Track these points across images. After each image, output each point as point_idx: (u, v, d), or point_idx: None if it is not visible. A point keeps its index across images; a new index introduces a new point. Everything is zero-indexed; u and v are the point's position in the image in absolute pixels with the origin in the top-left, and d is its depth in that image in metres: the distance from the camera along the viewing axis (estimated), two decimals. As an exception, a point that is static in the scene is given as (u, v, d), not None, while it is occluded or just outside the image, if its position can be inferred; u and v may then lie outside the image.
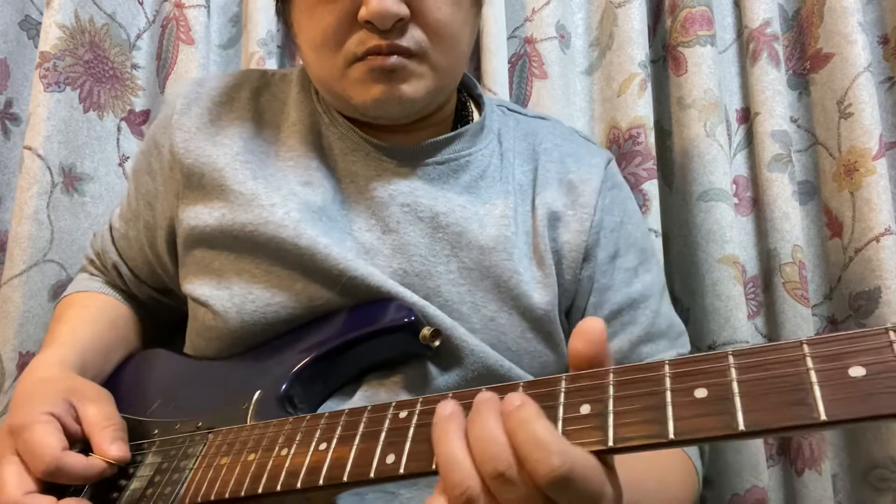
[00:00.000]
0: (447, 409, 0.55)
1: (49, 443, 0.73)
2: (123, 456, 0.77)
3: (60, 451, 0.73)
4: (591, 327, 0.55)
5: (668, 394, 0.49)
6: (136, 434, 0.84)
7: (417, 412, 0.60)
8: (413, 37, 0.82)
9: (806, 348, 0.46)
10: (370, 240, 0.88)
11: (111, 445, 0.77)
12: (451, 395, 0.59)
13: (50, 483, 0.74)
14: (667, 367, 0.51)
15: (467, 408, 0.56)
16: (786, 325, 1.30)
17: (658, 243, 1.29)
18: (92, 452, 0.76)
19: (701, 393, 0.48)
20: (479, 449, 0.51)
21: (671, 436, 0.47)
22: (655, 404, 0.49)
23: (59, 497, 0.72)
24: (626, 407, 0.50)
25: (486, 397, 0.55)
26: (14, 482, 0.73)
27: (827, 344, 0.45)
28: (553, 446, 0.48)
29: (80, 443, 0.78)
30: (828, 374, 0.44)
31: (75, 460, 0.74)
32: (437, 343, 0.82)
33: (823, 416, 0.43)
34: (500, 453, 0.50)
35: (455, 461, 0.52)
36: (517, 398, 0.52)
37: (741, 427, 0.45)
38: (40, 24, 1.36)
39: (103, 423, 0.79)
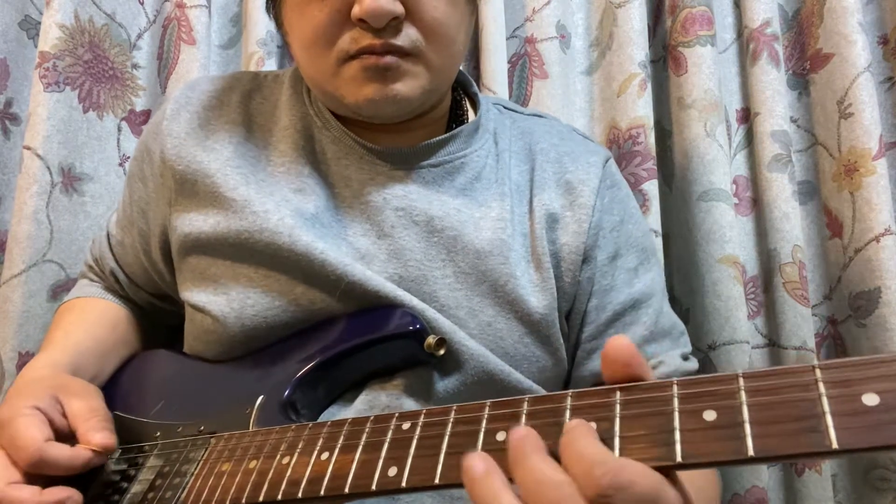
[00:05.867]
0: (479, 466, 0.51)
1: (32, 434, 0.74)
2: (108, 443, 0.77)
3: (43, 443, 0.73)
4: (617, 347, 0.53)
5: (677, 416, 0.48)
6: (137, 436, 0.85)
7: (420, 424, 0.59)
8: (408, 36, 0.81)
9: (818, 373, 0.45)
10: (365, 245, 0.88)
11: (95, 434, 0.76)
12: (454, 407, 0.59)
13: (44, 477, 0.74)
14: (675, 388, 0.50)
15: (467, 422, 0.55)
16: (786, 325, 1.30)
17: (658, 243, 1.29)
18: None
19: (710, 415, 0.47)
20: (535, 496, 0.48)
21: (679, 459, 0.46)
22: (663, 426, 0.48)
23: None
24: (633, 429, 0.49)
25: (521, 435, 0.52)
26: None
27: (839, 369, 0.44)
28: (594, 457, 0.47)
29: (69, 438, 0.78)
30: (840, 401, 0.43)
31: (59, 451, 0.74)
32: (441, 352, 0.81)
33: (835, 445, 0.42)
34: (560, 494, 0.47)
35: None
36: (574, 422, 0.51)
37: (750, 453, 0.44)
38: (40, 23, 1.36)
39: (87, 414, 0.79)
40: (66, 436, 0.78)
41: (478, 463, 0.52)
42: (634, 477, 0.46)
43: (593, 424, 0.51)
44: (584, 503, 0.47)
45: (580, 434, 0.49)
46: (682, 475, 0.50)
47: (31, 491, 0.71)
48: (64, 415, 0.79)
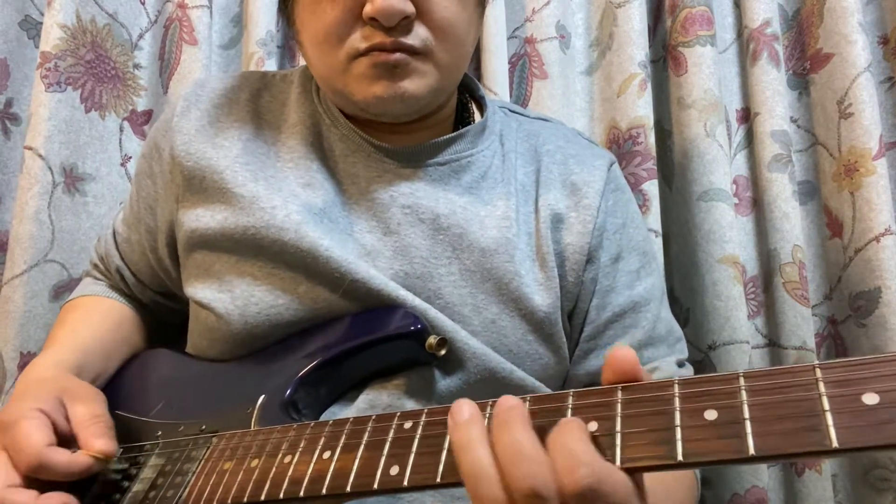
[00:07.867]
0: (465, 412, 0.54)
1: (34, 438, 0.73)
2: (108, 450, 0.76)
3: (45, 447, 0.73)
4: (620, 357, 0.54)
5: (678, 415, 0.48)
6: (138, 435, 0.85)
7: (422, 423, 0.59)
8: (418, 34, 0.82)
9: (819, 373, 0.45)
10: (371, 241, 0.88)
11: (96, 440, 0.76)
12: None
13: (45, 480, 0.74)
14: (676, 388, 0.50)
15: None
16: (786, 325, 1.30)
17: (658, 243, 1.29)
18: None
19: (711, 415, 0.47)
20: (511, 463, 0.49)
21: (680, 458, 0.46)
22: (664, 425, 0.48)
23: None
24: (635, 428, 0.50)
25: (511, 404, 0.53)
26: None
27: (840, 369, 0.45)
28: (583, 456, 0.47)
29: (71, 442, 0.78)
30: (841, 400, 0.43)
31: (58, 456, 0.73)
32: (442, 352, 0.81)
33: (836, 444, 0.42)
34: (535, 470, 0.48)
35: (483, 474, 0.50)
36: (569, 418, 0.52)
37: (751, 451, 0.44)
38: (40, 24, 1.36)
39: (90, 420, 0.79)
40: (68, 439, 0.78)
41: (465, 408, 0.54)
42: (616, 487, 0.47)
43: (594, 424, 0.51)
44: (556, 494, 0.48)
45: (573, 429, 0.50)
46: (651, 476, 0.51)
47: (28, 495, 0.71)
48: (67, 418, 0.79)
